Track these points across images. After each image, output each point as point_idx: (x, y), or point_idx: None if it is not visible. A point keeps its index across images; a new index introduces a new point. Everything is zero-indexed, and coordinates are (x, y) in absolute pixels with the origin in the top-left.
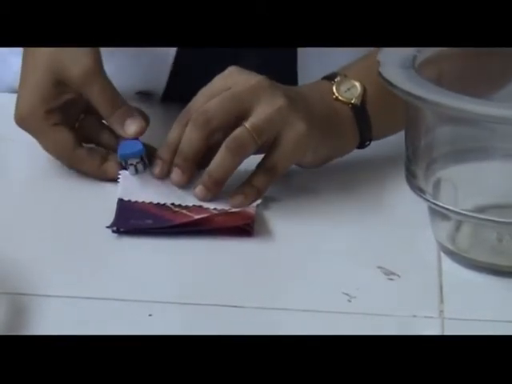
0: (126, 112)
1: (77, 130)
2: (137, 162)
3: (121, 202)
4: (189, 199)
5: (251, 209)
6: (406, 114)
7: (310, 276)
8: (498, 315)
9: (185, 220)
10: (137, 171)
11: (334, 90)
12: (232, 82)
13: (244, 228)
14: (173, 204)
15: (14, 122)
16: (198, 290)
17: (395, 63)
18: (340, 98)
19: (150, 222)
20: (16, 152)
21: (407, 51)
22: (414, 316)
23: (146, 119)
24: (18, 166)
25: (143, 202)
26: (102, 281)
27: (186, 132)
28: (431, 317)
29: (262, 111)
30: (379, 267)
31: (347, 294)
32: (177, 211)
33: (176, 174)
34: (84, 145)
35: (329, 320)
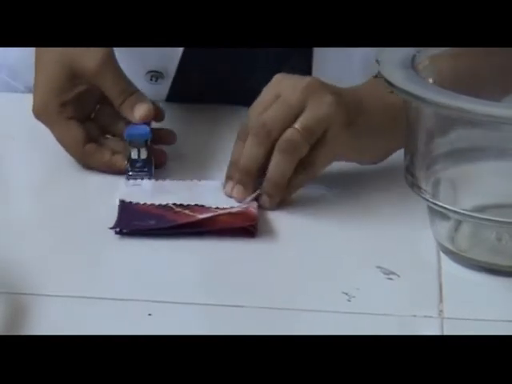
0: (137, 98)
1: (93, 120)
2: (141, 147)
3: (122, 203)
4: (190, 199)
5: (253, 209)
6: (406, 114)
7: (309, 276)
8: (497, 315)
9: (188, 220)
10: (139, 156)
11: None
12: (281, 89)
13: (248, 229)
14: (174, 204)
15: (19, 119)
16: (197, 290)
17: (395, 63)
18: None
19: (152, 222)
20: (17, 151)
21: (407, 51)
22: (414, 316)
23: (157, 108)
24: (19, 165)
25: (145, 204)
26: (102, 281)
27: (246, 147)
28: (431, 316)
29: (310, 111)
30: (379, 267)
31: (347, 294)
32: (179, 211)
33: (239, 190)
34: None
35: (328, 319)
